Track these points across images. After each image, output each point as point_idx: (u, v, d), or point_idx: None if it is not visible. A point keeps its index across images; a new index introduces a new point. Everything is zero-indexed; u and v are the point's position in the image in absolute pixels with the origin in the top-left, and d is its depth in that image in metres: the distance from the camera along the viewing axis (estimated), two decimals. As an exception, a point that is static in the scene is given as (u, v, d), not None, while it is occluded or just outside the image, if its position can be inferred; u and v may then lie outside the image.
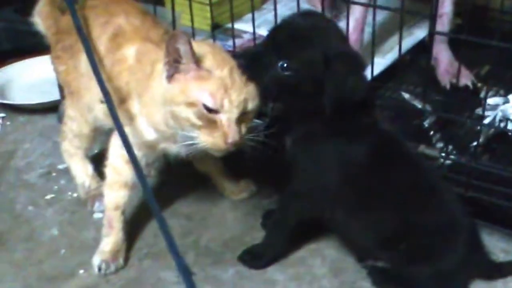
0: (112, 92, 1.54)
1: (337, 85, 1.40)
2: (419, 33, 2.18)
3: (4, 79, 2.36)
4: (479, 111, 1.80)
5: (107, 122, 1.58)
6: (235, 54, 1.46)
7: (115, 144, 1.60)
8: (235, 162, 1.70)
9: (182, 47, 1.38)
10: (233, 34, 1.89)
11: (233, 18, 1.88)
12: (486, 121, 1.78)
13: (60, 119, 1.95)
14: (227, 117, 1.39)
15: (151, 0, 1.93)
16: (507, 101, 1.80)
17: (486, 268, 1.57)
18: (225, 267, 1.64)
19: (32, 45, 2.10)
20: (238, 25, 2.12)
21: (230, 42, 1.95)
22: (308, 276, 1.61)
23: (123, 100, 1.53)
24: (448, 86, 2.03)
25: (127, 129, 1.53)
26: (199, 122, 1.39)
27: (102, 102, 1.52)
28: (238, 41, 2.04)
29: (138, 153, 1.57)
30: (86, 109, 1.69)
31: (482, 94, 1.94)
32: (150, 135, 1.52)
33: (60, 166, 1.97)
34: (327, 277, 1.61)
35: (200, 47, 1.44)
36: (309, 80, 1.43)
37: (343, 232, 1.62)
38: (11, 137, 2.14)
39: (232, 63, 1.43)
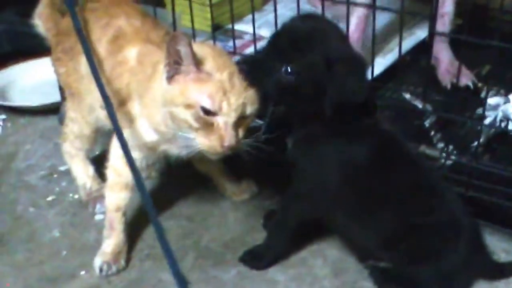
0: (113, 94, 1.54)
1: (339, 88, 1.40)
2: (420, 33, 2.18)
3: (5, 81, 2.37)
4: (479, 111, 1.80)
5: (108, 123, 1.58)
6: (237, 61, 1.45)
7: (116, 146, 1.60)
8: (236, 163, 1.70)
9: (183, 49, 1.38)
10: (234, 35, 1.89)
11: (234, 19, 1.87)
12: (487, 121, 1.78)
13: (61, 121, 1.95)
14: (224, 120, 1.39)
15: (151, 1, 1.93)
16: (507, 101, 1.80)
17: (488, 269, 1.57)
18: (226, 268, 1.64)
19: (32, 47, 2.10)
20: (238, 26, 2.12)
21: (230, 43, 1.95)
22: (309, 277, 1.61)
23: (124, 102, 1.53)
24: (448, 86, 2.03)
25: (128, 131, 1.54)
26: (196, 124, 1.39)
27: (102, 108, 1.52)
28: (238, 42, 2.04)
29: (138, 154, 1.58)
30: (87, 110, 1.69)
31: (482, 94, 1.94)
32: (150, 136, 1.53)
33: (61, 168, 1.97)
34: (328, 277, 1.61)
35: (202, 49, 1.44)
36: (311, 83, 1.43)
37: (344, 232, 1.62)
38: (12, 139, 2.15)
39: (233, 67, 1.43)
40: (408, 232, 1.49)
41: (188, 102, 1.39)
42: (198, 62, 1.39)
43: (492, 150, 1.77)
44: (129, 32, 1.58)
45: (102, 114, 1.62)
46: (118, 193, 1.63)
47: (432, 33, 1.69)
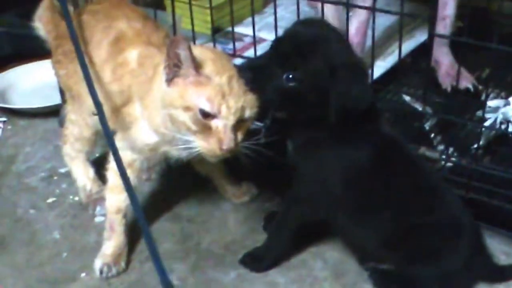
0: (114, 96, 1.55)
1: (342, 95, 1.40)
2: (420, 36, 2.18)
3: (5, 83, 2.37)
4: (480, 113, 1.80)
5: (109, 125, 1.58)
6: (239, 67, 1.45)
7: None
8: (236, 165, 1.70)
9: (183, 53, 1.38)
10: (234, 37, 1.89)
11: (234, 21, 1.88)
12: (487, 123, 1.78)
13: (61, 123, 1.96)
14: (223, 124, 1.39)
15: (152, 4, 1.93)
16: (508, 104, 1.80)
17: (488, 271, 1.57)
18: (227, 270, 1.64)
19: (33, 50, 2.10)
20: (238, 29, 2.13)
21: (230, 46, 1.95)
22: (309, 279, 1.61)
23: (125, 104, 1.54)
24: (449, 89, 2.03)
25: (128, 133, 1.54)
26: (195, 127, 1.40)
27: (94, 114, 1.52)
28: (238, 45, 2.05)
29: (139, 156, 1.58)
30: (88, 113, 1.69)
31: (483, 97, 1.94)
32: (151, 138, 1.53)
33: (61, 170, 1.97)
34: (328, 280, 1.61)
35: (202, 52, 1.44)
36: (314, 90, 1.42)
37: (345, 234, 1.62)
38: (12, 141, 2.15)
39: (232, 71, 1.43)
40: (409, 233, 1.49)
41: (187, 104, 1.39)
42: (197, 66, 1.39)
43: (492, 152, 1.78)
44: (130, 34, 1.58)
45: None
46: (118, 195, 1.63)
47: (432, 35, 1.69)
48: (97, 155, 1.94)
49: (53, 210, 1.84)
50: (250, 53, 1.96)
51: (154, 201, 1.85)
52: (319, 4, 1.71)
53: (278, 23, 1.73)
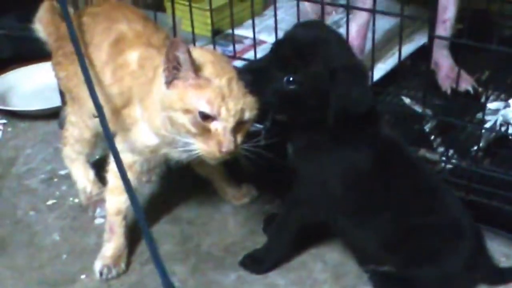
0: (114, 98, 1.55)
1: (342, 97, 1.40)
2: (419, 39, 2.18)
3: (5, 86, 2.37)
4: (479, 115, 1.80)
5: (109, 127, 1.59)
6: (238, 70, 1.45)
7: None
8: (236, 167, 1.71)
9: (182, 56, 1.38)
10: (234, 40, 1.89)
11: (234, 24, 1.88)
12: (487, 125, 1.78)
13: (61, 125, 1.96)
14: (223, 126, 1.39)
15: (152, 6, 1.93)
16: (507, 106, 1.80)
17: (489, 273, 1.57)
18: (227, 272, 1.64)
19: (33, 52, 2.10)
20: (238, 31, 2.13)
21: (230, 48, 1.95)
22: (309, 281, 1.61)
23: (125, 105, 1.54)
24: (448, 91, 2.03)
25: (128, 135, 1.54)
26: (194, 130, 1.40)
27: (95, 116, 1.52)
28: (238, 47, 2.05)
29: (139, 158, 1.58)
30: (88, 114, 1.69)
31: (482, 99, 1.94)
32: (151, 140, 1.53)
33: (62, 172, 1.97)
34: (328, 281, 1.61)
35: (202, 55, 1.44)
36: (314, 92, 1.42)
37: (346, 237, 1.62)
38: (12, 143, 2.15)
39: (232, 73, 1.43)
40: (409, 235, 1.49)
41: (187, 107, 1.39)
42: (196, 68, 1.39)
43: (492, 154, 1.78)
44: (130, 36, 1.58)
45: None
46: (118, 196, 1.63)
47: (432, 37, 1.70)
48: (97, 157, 1.94)
49: (53, 212, 1.84)
50: (250, 55, 1.96)
51: (154, 203, 1.85)
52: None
53: (278, 26, 1.73)
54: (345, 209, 1.53)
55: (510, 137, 1.78)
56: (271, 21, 1.88)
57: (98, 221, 1.79)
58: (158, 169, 1.70)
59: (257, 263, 1.64)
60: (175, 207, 1.84)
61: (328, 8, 2.20)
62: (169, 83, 1.41)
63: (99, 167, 1.79)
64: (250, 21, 1.94)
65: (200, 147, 1.41)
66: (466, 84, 2.02)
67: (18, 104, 2.31)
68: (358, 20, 2.01)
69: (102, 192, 1.74)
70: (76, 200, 1.87)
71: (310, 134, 1.50)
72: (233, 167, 1.75)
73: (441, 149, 1.80)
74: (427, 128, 1.87)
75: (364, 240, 1.55)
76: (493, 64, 1.97)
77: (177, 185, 1.90)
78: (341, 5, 1.78)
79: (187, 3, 1.89)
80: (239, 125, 1.42)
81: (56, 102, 2.15)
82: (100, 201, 1.79)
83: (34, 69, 2.40)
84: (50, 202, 1.88)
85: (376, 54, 1.80)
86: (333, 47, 1.45)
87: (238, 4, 2.19)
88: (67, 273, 1.65)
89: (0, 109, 2.26)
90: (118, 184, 1.62)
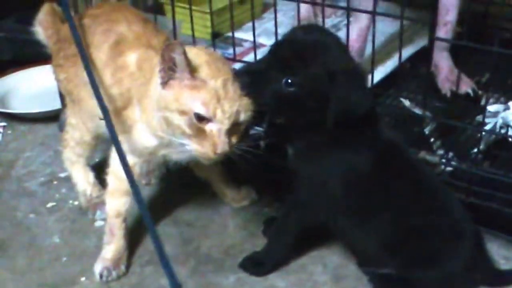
0: (114, 99, 1.55)
1: (341, 100, 1.40)
2: (419, 41, 2.18)
3: (5, 88, 2.37)
4: (479, 118, 1.80)
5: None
6: (237, 71, 1.46)
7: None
8: (235, 169, 1.71)
9: (178, 57, 1.38)
10: (234, 42, 1.89)
11: (234, 27, 1.88)
12: (487, 128, 1.78)
13: (61, 128, 1.96)
14: (218, 128, 1.39)
15: (152, 9, 1.93)
16: (507, 108, 1.80)
17: (489, 275, 1.57)
18: (226, 274, 1.64)
19: (33, 55, 2.10)
20: (238, 34, 2.13)
21: (230, 51, 1.95)
22: (309, 283, 1.61)
23: (125, 107, 1.54)
24: (448, 94, 2.04)
25: (127, 136, 1.54)
26: (189, 131, 1.40)
27: (100, 118, 1.53)
28: (238, 50, 2.05)
29: (138, 160, 1.58)
30: (88, 117, 1.69)
31: (482, 102, 1.94)
32: (150, 141, 1.53)
33: (61, 175, 1.97)
34: (328, 284, 1.61)
35: (198, 55, 1.44)
36: (313, 95, 1.43)
37: (346, 239, 1.62)
38: (12, 146, 2.15)
39: (228, 75, 1.43)
40: (409, 237, 1.49)
41: (182, 108, 1.39)
42: (192, 70, 1.39)
43: (492, 157, 1.78)
44: (130, 37, 1.58)
45: (103, 121, 1.63)
46: (118, 199, 1.63)
47: (432, 39, 1.70)
48: (97, 160, 1.94)
49: (53, 214, 1.84)
50: (250, 58, 1.97)
51: (153, 205, 1.85)
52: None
53: (278, 29, 1.73)
54: (345, 211, 1.53)
55: (510, 139, 1.77)
56: (270, 24, 1.88)
57: (98, 223, 1.79)
58: (158, 172, 1.70)
59: (257, 265, 1.64)
60: (174, 210, 1.84)
61: (327, 11, 2.20)
62: (165, 83, 1.41)
63: (99, 170, 1.79)
64: (249, 24, 1.94)
65: (194, 148, 1.42)
66: (466, 86, 2.02)
67: (18, 106, 2.32)
68: (359, 23, 2.01)
69: (102, 194, 1.74)
70: (76, 203, 1.87)
71: (309, 135, 1.50)
72: (232, 169, 1.75)
73: (441, 152, 1.80)
74: (427, 130, 1.87)
75: (364, 242, 1.55)
76: (493, 67, 1.96)
77: (176, 187, 1.90)
78: (342, 7, 1.78)
79: (187, 6, 1.89)
80: (234, 127, 1.42)
81: (56, 105, 2.15)
82: (100, 204, 1.79)
83: (34, 72, 2.41)
84: (50, 205, 1.88)
85: (376, 56, 1.80)
86: (332, 50, 1.45)
87: (238, 7, 2.20)
88: (67, 275, 1.65)
89: (0, 112, 2.26)
90: (118, 186, 1.63)
